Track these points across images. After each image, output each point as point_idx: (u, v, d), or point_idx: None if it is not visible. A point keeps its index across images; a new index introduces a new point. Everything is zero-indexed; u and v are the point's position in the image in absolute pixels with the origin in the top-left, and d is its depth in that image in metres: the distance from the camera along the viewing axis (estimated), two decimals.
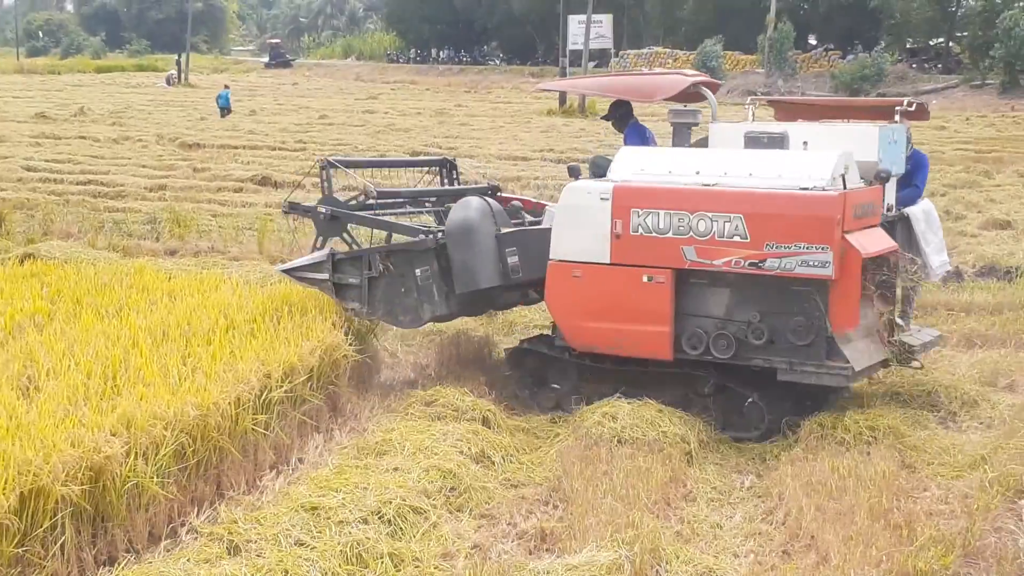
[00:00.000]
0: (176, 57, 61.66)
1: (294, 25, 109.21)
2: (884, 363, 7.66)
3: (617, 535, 5.47)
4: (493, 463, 6.83)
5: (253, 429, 6.36)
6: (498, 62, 69.81)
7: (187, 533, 5.61)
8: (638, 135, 9.13)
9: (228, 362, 6.61)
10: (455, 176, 9.57)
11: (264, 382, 6.55)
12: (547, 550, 5.67)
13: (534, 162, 23.25)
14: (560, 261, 7.68)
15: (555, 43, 55.88)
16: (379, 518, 5.56)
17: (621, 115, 9.39)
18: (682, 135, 8.37)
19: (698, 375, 7.65)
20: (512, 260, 7.91)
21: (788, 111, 9.37)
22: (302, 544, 5.20)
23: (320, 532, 5.32)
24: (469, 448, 6.78)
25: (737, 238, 7.03)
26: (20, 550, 4.76)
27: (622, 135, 9.32)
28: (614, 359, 7.76)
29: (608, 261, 7.47)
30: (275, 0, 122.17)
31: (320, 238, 8.48)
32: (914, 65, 55.19)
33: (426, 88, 56.66)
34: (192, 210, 16.28)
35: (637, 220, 7.33)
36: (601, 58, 58.09)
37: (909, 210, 8.23)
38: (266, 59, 77.95)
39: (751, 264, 7.02)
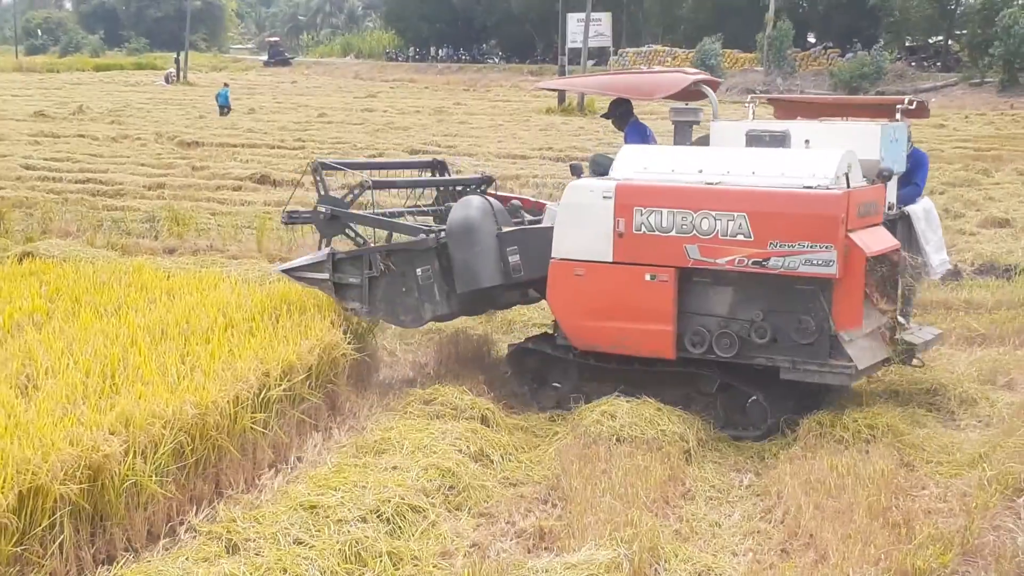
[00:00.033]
0: (175, 55, 61.63)
1: (293, 23, 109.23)
2: (886, 361, 7.66)
3: (616, 533, 5.47)
4: (492, 462, 6.83)
5: (252, 428, 6.36)
6: (497, 60, 69.79)
7: (186, 532, 5.61)
8: (638, 133, 9.12)
9: (227, 361, 6.61)
10: (447, 176, 9.54)
11: (263, 381, 6.55)
12: (546, 548, 5.67)
13: (533, 160, 23.24)
14: (562, 260, 7.67)
15: (554, 41, 55.92)
16: (378, 517, 5.56)
17: (621, 113, 9.37)
18: (683, 133, 8.36)
19: (703, 374, 7.65)
20: (513, 259, 7.90)
21: (787, 109, 9.37)
22: (301, 543, 5.21)
23: (319, 531, 5.33)
24: (468, 447, 6.78)
25: (741, 237, 7.02)
26: (19, 549, 4.77)
27: (622, 133, 9.31)
28: (619, 359, 7.75)
29: (611, 260, 7.46)
30: None
31: (324, 239, 8.47)
32: (913, 63, 55.17)
33: (425, 86, 56.61)
34: (191, 208, 16.28)
35: (640, 218, 7.32)
36: (600, 56, 58.09)
37: (910, 208, 8.23)
38: (265, 57, 77.93)
39: (755, 263, 7.02)
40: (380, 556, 5.22)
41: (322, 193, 8.38)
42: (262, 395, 6.51)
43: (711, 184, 7.24)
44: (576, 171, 8.40)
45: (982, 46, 48.50)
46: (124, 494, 5.29)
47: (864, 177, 7.40)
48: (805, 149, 7.65)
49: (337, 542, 5.21)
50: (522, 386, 8.34)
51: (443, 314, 8.30)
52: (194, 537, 5.48)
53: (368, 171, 9.51)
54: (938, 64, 54.78)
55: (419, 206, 9.29)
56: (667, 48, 59.20)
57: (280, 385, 6.68)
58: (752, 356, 7.34)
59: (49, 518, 4.88)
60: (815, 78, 52.22)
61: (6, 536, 4.70)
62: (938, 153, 23.46)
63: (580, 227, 7.55)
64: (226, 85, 38.75)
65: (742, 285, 7.31)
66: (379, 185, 8.68)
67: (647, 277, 7.36)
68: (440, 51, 73.65)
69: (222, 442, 6.07)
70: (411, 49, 75.86)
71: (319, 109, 38.26)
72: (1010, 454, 6.37)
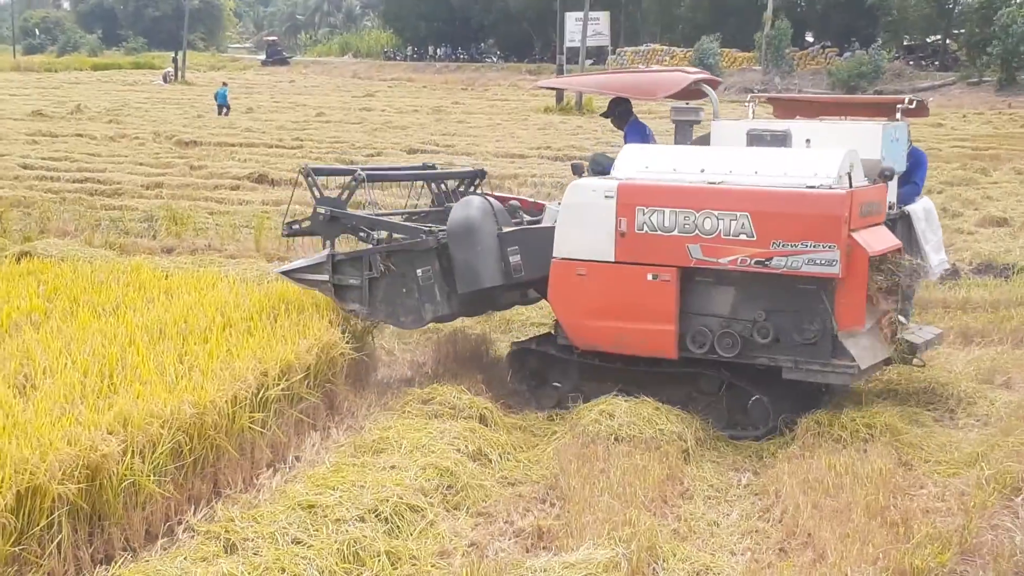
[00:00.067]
0: (173, 55, 61.58)
1: (291, 22, 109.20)
2: (887, 361, 7.67)
3: (614, 533, 5.47)
4: (490, 461, 6.83)
5: (250, 427, 6.36)
6: (495, 59, 69.75)
7: (184, 531, 5.60)
8: (638, 133, 9.10)
9: (225, 360, 6.61)
10: (436, 186, 9.48)
11: (261, 380, 6.55)
12: (544, 548, 5.67)
13: (531, 160, 23.25)
14: (564, 259, 7.66)
15: (552, 40, 55.92)
16: (376, 516, 5.56)
17: (621, 112, 9.36)
18: (684, 133, 8.35)
19: (708, 374, 7.65)
20: (514, 259, 7.89)
21: (786, 109, 9.37)
22: (299, 542, 5.21)
23: (317, 530, 5.32)
24: (466, 446, 6.78)
25: (743, 236, 7.02)
26: (17, 549, 4.76)
27: (621, 132, 9.30)
28: (623, 359, 7.74)
29: (612, 259, 7.45)
30: None
31: (327, 240, 8.43)
32: (911, 62, 55.17)
33: (423, 85, 56.60)
34: (189, 208, 16.27)
35: (642, 218, 7.31)
36: (598, 55, 58.06)
37: (910, 208, 8.23)
38: (263, 56, 77.83)
39: (757, 262, 7.01)
40: (378, 555, 5.22)
41: (318, 196, 8.34)
42: (260, 395, 6.51)
43: (713, 184, 7.24)
44: (577, 170, 8.38)
45: (980, 45, 48.52)
46: (122, 494, 5.29)
47: (865, 177, 7.40)
48: (806, 148, 7.64)
49: (335, 541, 5.21)
50: (521, 383, 8.33)
51: (444, 315, 8.29)
52: (192, 537, 5.47)
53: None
54: (936, 63, 54.79)
55: (417, 207, 9.27)
56: (665, 47, 59.20)
57: (278, 385, 6.68)
58: (754, 356, 7.34)
59: (47, 518, 4.88)
60: (813, 77, 52.22)
61: (4, 536, 4.69)
62: (936, 152, 23.46)
63: (582, 227, 7.54)
64: (225, 84, 38.74)
65: (744, 285, 7.31)
66: (372, 178, 8.64)
67: (649, 277, 7.36)
68: (438, 50, 73.59)
69: (220, 442, 6.06)
70: (409, 48, 75.82)
71: (317, 108, 38.25)
72: (1008, 453, 6.38)
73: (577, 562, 5.18)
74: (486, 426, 7.28)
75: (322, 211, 8.26)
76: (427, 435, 6.77)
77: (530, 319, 10.09)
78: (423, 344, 9.27)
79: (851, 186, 7.03)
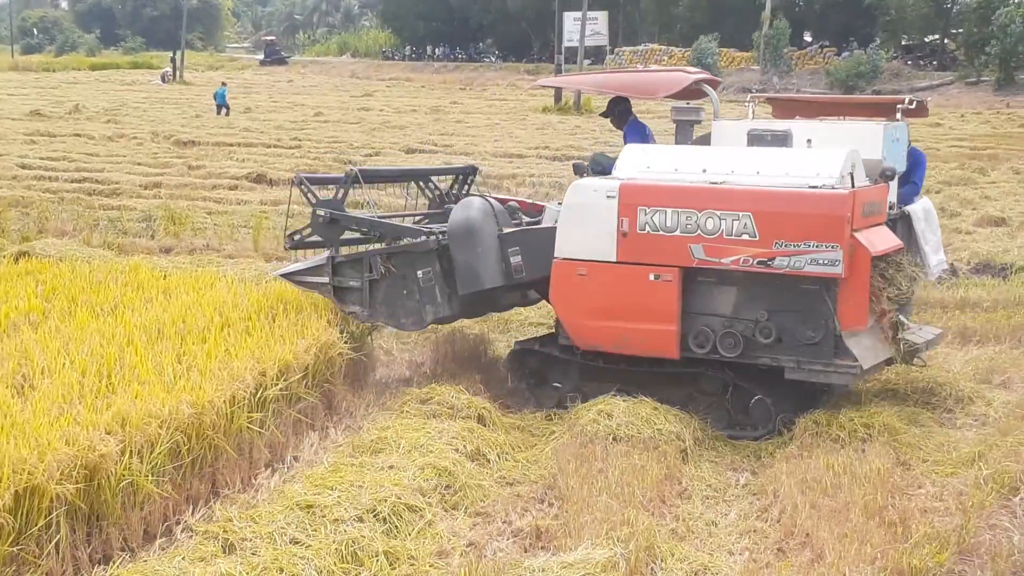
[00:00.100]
0: (171, 54, 61.51)
1: (289, 22, 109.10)
2: (889, 361, 7.67)
3: (612, 533, 5.47)
4: (488, 461, 6.83)
5: (248, 427, 6.35)
6: (493, 59, 69.71)
7: (182, 531, 5.60)
8: (638, 133, 9.09)
9: (223, 360, 6.60)
10: (432, 187, 9.48)
11: (259, 380, 6.55)
12: (542, 548, 5.67)
13: (529, 159, 23.26)
14: (565, 259, 7.65)
15: (550, 40, 55.97)
16: (374, 516, 5.56)
17: (620, 112, 9.34)
18: (685, 132, 8.35)
19: (711, 375, 7.65)
20: (515, 260, 7.88)
21: (786, 109, 9.37)
22: (297, 542, 5.21)
23: (315, 530, 5.32)
24: (464, 446, 6.78)
25: (746, 236, 7.01)
26: (15, 549, 4.76)
27: (620, 132, 9.29)
28: (627, 360, 7.74)
29: (614, 259, 7.44)
30: None
31: (330, 243, 8.40)
32: (909, 62, 55.16)
33: (421, 85, 56.58)
34: (187, 208, 16.27)
35: (644, 218, 7.31)
36: (596, 55, 58.08)
37: (910, 208, 8.23)
38: (261, 56, 77.81)
39: (760, 262, 7.01)
40: (376, 555, 5.22)
41: (314, 202, 8.32)
42: (258, 395, 6.50)
43: (716, 184, 7.24)
44: (579, 170, 8.37)
45: (978, 45, 48.52)
46: (120, 494, 5.29)
47: (867, 177, 7.41)
48: (808, 149, 7.64)
49: (333, 541, 5.21)
50: (520, 382, 8.33)
51: (444, 316, 8.28)
52: (190, 537, 5.47)
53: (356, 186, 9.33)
54: (934, 63, 54.79)
55: (415, 208, 9.25)
56: (663, 47, 59.19)
57: (276, 384, 6.68)
58: (756, 356, 7.34)
59: (45, 518, 4.88)
60: (811, 77, 52.23)
61: (2, 536, 4.69)
62: (934, 152, 23.48)
63: (583, 227, 7.54)
64: (224, 84, 38.73)
65: (746, 285, 7.31)
66: (365, 173, 8.61)
67: (651, 277, 7.35)
68: (436, 50, 73.50)
69: (218, 442, 6.06)
70: (407, 48, 75.74)
71: (315, 108, 38.23)
72: (1006, 453, 6.39)
73: (575, 562, 5.18)
74: (484, 426, 7.28)
75: (321, 213, 8.23)
76: (425, 435, 6.77)
77: (528, 319, 10.09)
78: (421, 344, 9.27)
79: (853, 186, 7.03)
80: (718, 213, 7.08)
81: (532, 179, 19.10)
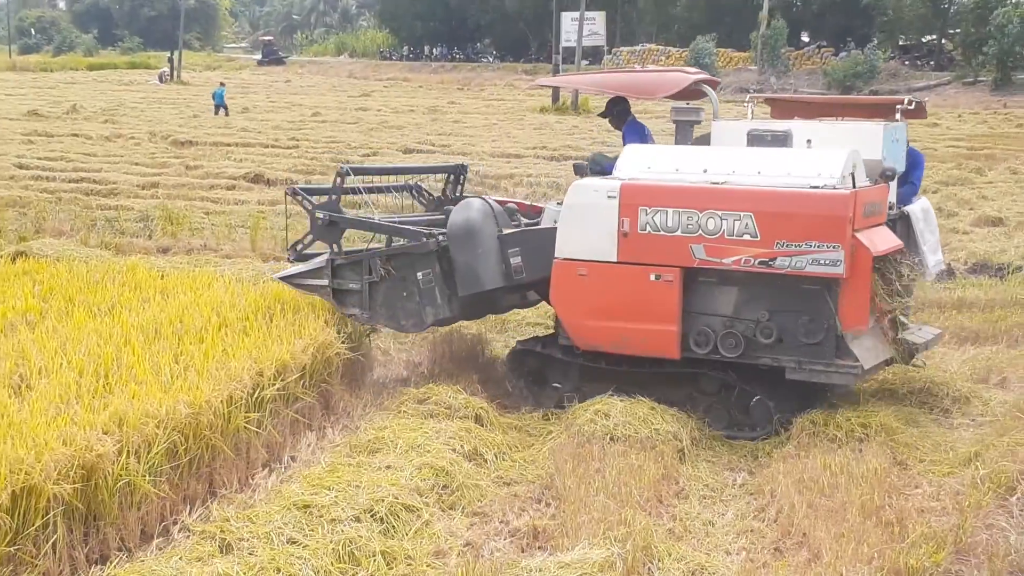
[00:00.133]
0: (168, 54, 61.49)
1: (287, 22, 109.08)
2: (889, 361, 7.68)
3: (609, 532, 5.48)
4: (486, 461, 6.83)
5: (245, 427, 6.35)
6: (491, 59, 69.73)
7: (179, 531, 5.60)
8: (637, 133, 9.08)
9: (220, 360, 6.60)
10: (423, 193, 9.47)
11: (256, 380, 6.55)
12: (539, 548, 5.67)
13: (527, 159, 23.23)
14: (566, 260, 7.65)
15: (548, 40, 55.98)
16: (371, 516, 5.56)
17: (619, 112, 9.32)
18: (685, 133, 8.35)
19: (710, 375, 7.65)
20: (515, 261, 7.88)
21: (784, 109, 9.37)
22: (294, 542, 5.21)
23: (312, 530, 5.32)
24: (462, 446, 6.78)
25: (747, 236, 7.02)
26: (12, 549, 4.76)
27: (619, 132, 9.28)
28: (629, 361, 7.74)
29: (615, 259, 7.44)
30: None
31: (332, 245, 8.39)
32: (907, 62, 55.20)
33: (419, 85, 56.57)
34: (184, 208, 16.27)
35: (645, 218, 7.30)
36: (594, 55, 58.07)
37: (909, 209, 8.24)
38: (259, 56, 77.78)
39: (761, 263, 7.01)
40: (374, 555, 5.22)
41: (310, 207, 8.31)
42: (256, 394, 6.50)
43: (716, 184, 7.24)
44: (580, 170, 8.36)
45: (975, 45, 48.59)
46: (117, 494, 5.29)
47: (867, 177, 7.41)
48: (808, 149, 7.65)
49: (331, 541, 5.21)
50: (518, 380, 8.33)
51: (444, 318, 8.27)
52: (188, 537, 5.47)
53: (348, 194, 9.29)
54: (931, 63, 54.83)
55: (413, 209, 9.25)
56: (661, 47, 59.23)
57: (274, 384, 6.68)
58: (757, 356, 7.34)
59: (42, 518, 4.87)
60: (809, 77, 52.28)
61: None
62: (931, 152, 23.49)
63: (584, 227, 7.53)
64: (222, 84, 38.72)
65: (748, 285, 7.31)
66: (357, 172, 8.58)
67: (652, 277, 7.35)
68: (434, 50, 73.50)
69: (216, 441, 6.06)
70: (405, 48, 75.72)
71: (313, 108, 38.20)
72: (1003, 453, 6.39)
73: (572, 562, 5.18)
74: (482, 426, 7.28)
75: (320, 215, 8.23)
76: (423, 435, 6.77)
77: (526, 319, 10.10)
78: (419, 344, 9.27)
79: (855, 186, 7.04)
80: (719, 213, 7.08)
81: (529, 179, 19.08)
